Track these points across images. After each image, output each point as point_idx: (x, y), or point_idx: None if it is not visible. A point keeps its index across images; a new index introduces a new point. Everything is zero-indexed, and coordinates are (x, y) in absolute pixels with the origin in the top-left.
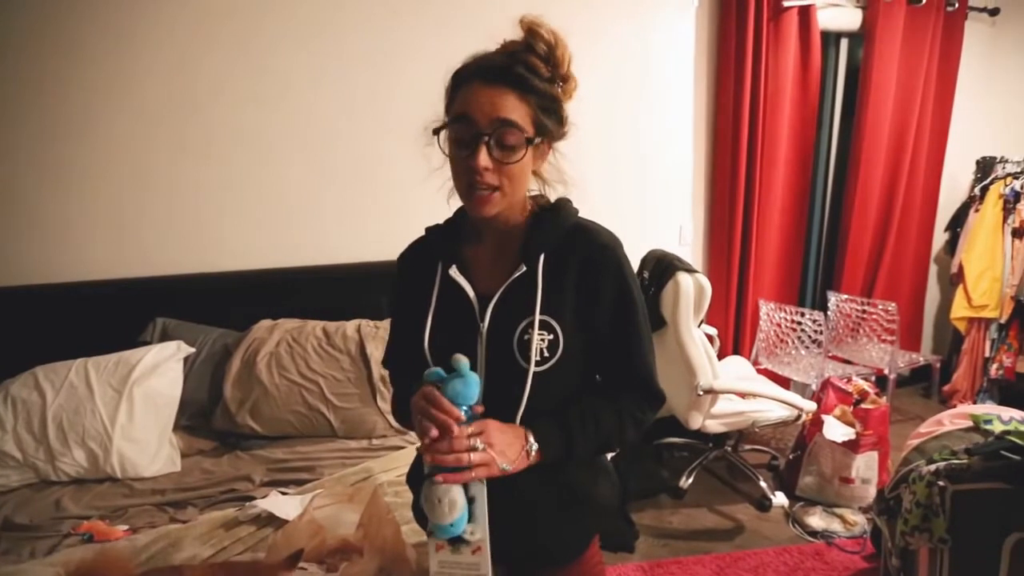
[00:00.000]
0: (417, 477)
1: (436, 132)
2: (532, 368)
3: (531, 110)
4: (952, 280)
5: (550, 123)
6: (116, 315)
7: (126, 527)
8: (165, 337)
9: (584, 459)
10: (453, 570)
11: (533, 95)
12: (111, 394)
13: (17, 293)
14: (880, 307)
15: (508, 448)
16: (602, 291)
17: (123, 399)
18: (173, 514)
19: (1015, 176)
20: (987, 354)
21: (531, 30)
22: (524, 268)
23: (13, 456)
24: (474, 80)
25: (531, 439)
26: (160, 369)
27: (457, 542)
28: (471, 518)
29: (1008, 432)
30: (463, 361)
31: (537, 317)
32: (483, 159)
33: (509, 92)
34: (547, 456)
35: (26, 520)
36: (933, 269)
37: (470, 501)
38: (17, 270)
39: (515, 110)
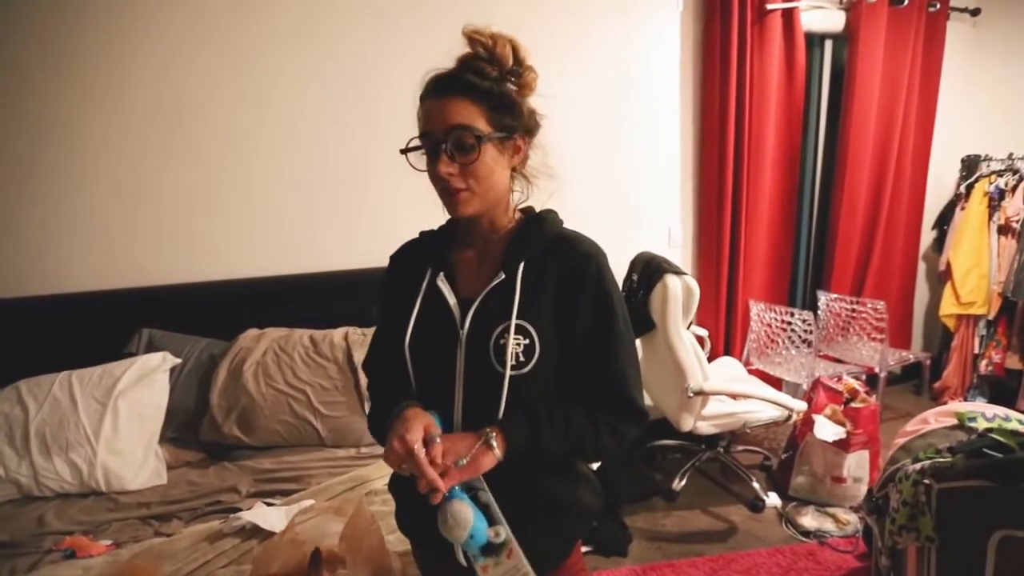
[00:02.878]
0: (399, 484)
1: (403, 152)
2: (508, 372)
3: (484, 110)
4: (940, 278)
5: (508, 118)
6: (101, 326)
7: (109, 542)
8: (151, 348)
9: (556, 454)
10: None
11: (482, 95)
12: (95, 407)
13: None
14: (869, 306)
15: (454, 446)
16: (580, 300)
17: (108, 412)
18: (158, 527)
19: (999, 174)
20: (976, 351)
21: (470, 39)
22: (503, 275)
23: None
24: (428, 98)
25: (487, 431)
26: (145, 380)
27: (490, 552)
28: (490, 522)
29: (991, 430)
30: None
31: (513, 322)
32: (443, 166)
33: (458, 99)
34: (513, 444)
35: (7, 537)
36: (921, 267)
37: (484, 508)
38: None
39: (466, 114)
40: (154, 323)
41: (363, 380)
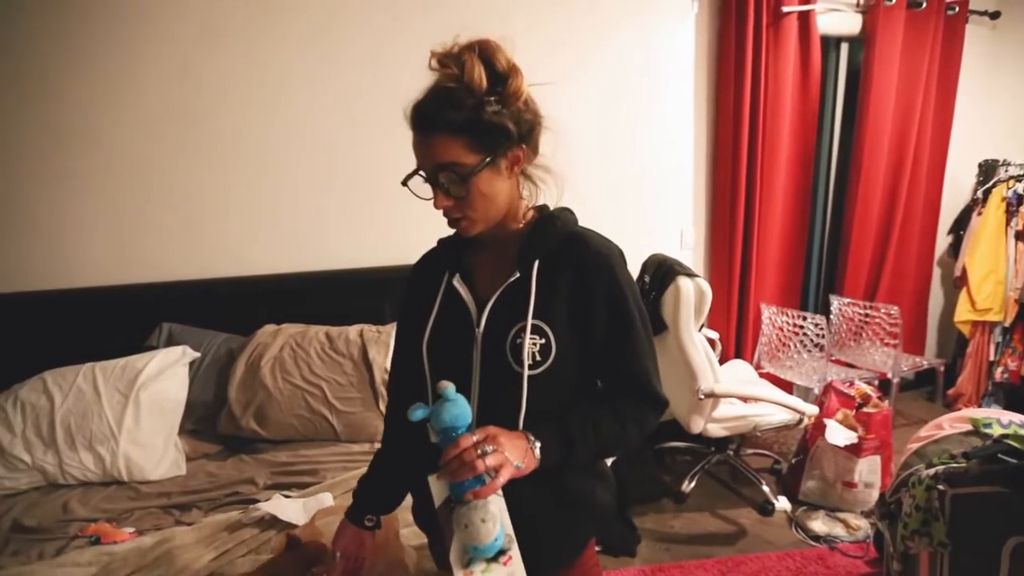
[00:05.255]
0: (417, 480)
1: (404, 183)
2: (526, 372)
3: (466, 140)
4: (955, 283)
5: (497, 140)
6: (123, 320)
7: (132, 529)
8: (171, 342)
9: (583, 464)
10: None
11: (462, 128)
12: (118, 398)
13: (25, 299)
14: (883, 310)
15: (514, 446)
16: (595, 299)
17: (130, 403)
18: (178, 516)
19: (1017, 179)
20: (992, 358)
21: (438, 68)
22: (518, 274)
23: (22, 459)
24: (414, 131)
25: (532, 438)
26: (166, 374)
27: (490, 559)
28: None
29: (1007, 436)
30: (450, 387)
31: (529, 321)
32: (439, 202)
33: (439, 136)
34: (545, 460)
35: (34, 523)
36: (936, 272)
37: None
38: (25, 276)
39: (449, 151)
40: (175, 318)
41: (378, 376)
